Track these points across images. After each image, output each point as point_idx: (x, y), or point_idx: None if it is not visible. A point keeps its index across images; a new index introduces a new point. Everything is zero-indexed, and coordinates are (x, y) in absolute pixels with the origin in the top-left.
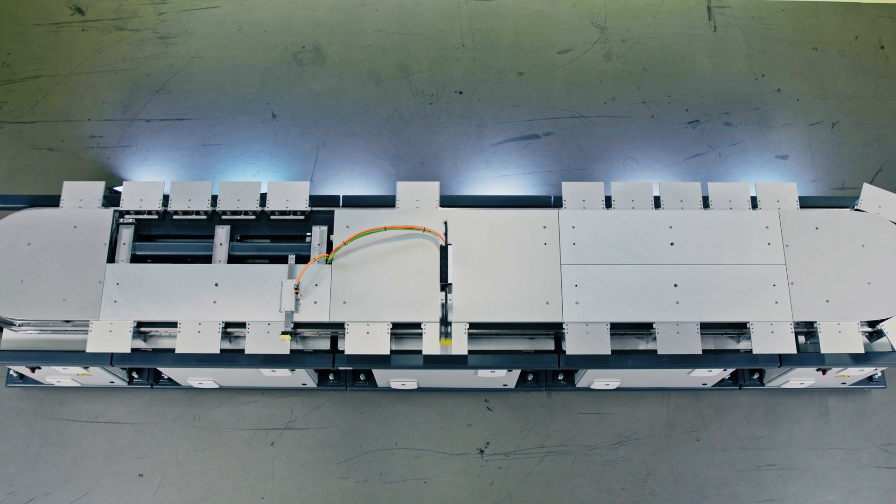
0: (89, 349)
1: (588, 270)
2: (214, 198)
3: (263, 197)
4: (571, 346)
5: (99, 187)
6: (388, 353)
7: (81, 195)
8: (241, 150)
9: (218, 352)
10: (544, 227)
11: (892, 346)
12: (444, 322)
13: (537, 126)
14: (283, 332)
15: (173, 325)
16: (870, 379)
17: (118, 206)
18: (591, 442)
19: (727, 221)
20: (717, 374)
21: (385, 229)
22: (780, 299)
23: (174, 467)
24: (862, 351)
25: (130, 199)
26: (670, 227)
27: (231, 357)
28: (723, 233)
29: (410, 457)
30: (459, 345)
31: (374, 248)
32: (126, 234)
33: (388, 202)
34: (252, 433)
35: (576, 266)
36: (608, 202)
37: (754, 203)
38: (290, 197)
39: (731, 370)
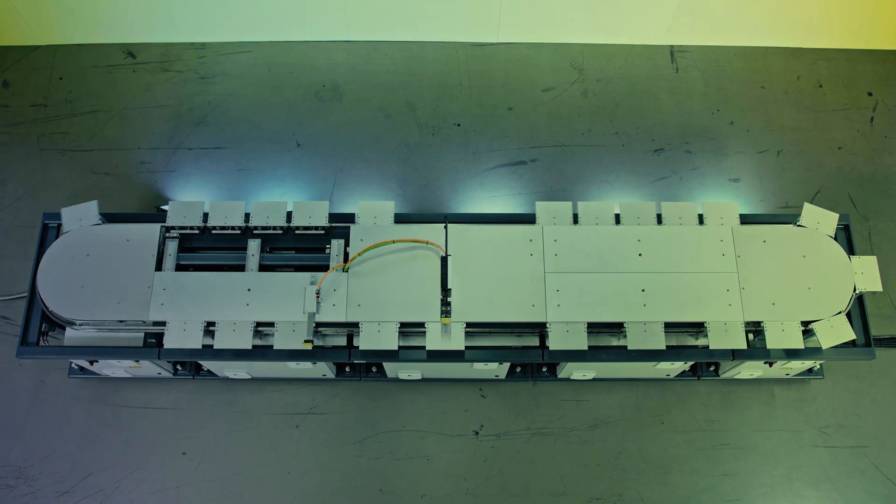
0: (167, 345)
1: (568, 278)
2: (247, 215)
3: (289, 214)
4: (554, 343)
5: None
6: (396, 348)
7: (79, 215)
8: (270, 174)
9: (250, 347)
10: (530, 240)
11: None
12: (445, 303)
13: (524, 154)
14: (306, 341)
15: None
16: (810, 371)
17: (165, 222)
18: (571, 425)
19: (687, 235)
20: (678, 366)
21: (394, 242)
22: (733, 302)
23: (213, 446)
24: (802, 347)
25: (175, 216)
26: (638, 241)
27: (262, 352)
28: (683, 245)
29: (415, 438)
30: (458, 341)
31: (384, 258)
32: (171, 247)
33: (394, 219)
34: (280, 417)
35: (557, 274)
36: (574, 219)
37: (700, 220)
38: (313, 214)
39: (690, 363)
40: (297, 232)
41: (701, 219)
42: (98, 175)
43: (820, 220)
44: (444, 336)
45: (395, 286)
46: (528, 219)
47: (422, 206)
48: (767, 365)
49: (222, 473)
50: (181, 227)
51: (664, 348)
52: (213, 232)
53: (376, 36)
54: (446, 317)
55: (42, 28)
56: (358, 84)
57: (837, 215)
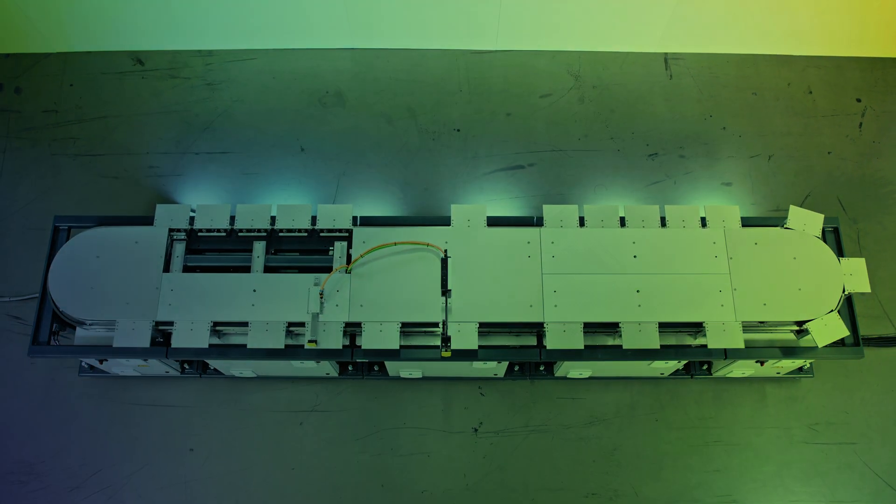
0: (175, 345)
1: (565, 279)
2: (250, 218)
3: (291, 217)
4: (551, 342)
5: None
6: (398, 347)
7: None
8: (275, 178)
9: (283, 347)
10: (528, 242)
11: (815, 342)
12: (444, 339)
13: (522, 158)
14: (310, 341)
15: (242, 324)
16: (800, 369)
17: (170, 224)
18: (568, 422)
19: (681, 238)
20: (672, 365)
21: (395, 244)
22: (725, 303)
23: (219, 443)
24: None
25: (180, 218)
26: (633, 243)
27: (266, 351)
28: (677, 247)
29: (416, 435)
30: (471, 341)
31: (386, 259)
32: (178, 249)
33: (397, 222)
34: (284, 415)
35: (555, 275)
36: (581, 222)
37: (703, 223)
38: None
39: (684, 362)
40: (298, 234)
41: (703, 222)
42: (107, 179)
43: (806, 222)
44: (457, 336)
45: (397, 287)
46: (527, 221)
47: (423, 209)
48: (759, 364)
49: (228, 469)
50: (186, 229)
51: (658, 348)
52: (217, 235)
53: (378, 44)
54: (446, 351)
55: (53, 36)
56: (360, 90)
57: (822, 216)
